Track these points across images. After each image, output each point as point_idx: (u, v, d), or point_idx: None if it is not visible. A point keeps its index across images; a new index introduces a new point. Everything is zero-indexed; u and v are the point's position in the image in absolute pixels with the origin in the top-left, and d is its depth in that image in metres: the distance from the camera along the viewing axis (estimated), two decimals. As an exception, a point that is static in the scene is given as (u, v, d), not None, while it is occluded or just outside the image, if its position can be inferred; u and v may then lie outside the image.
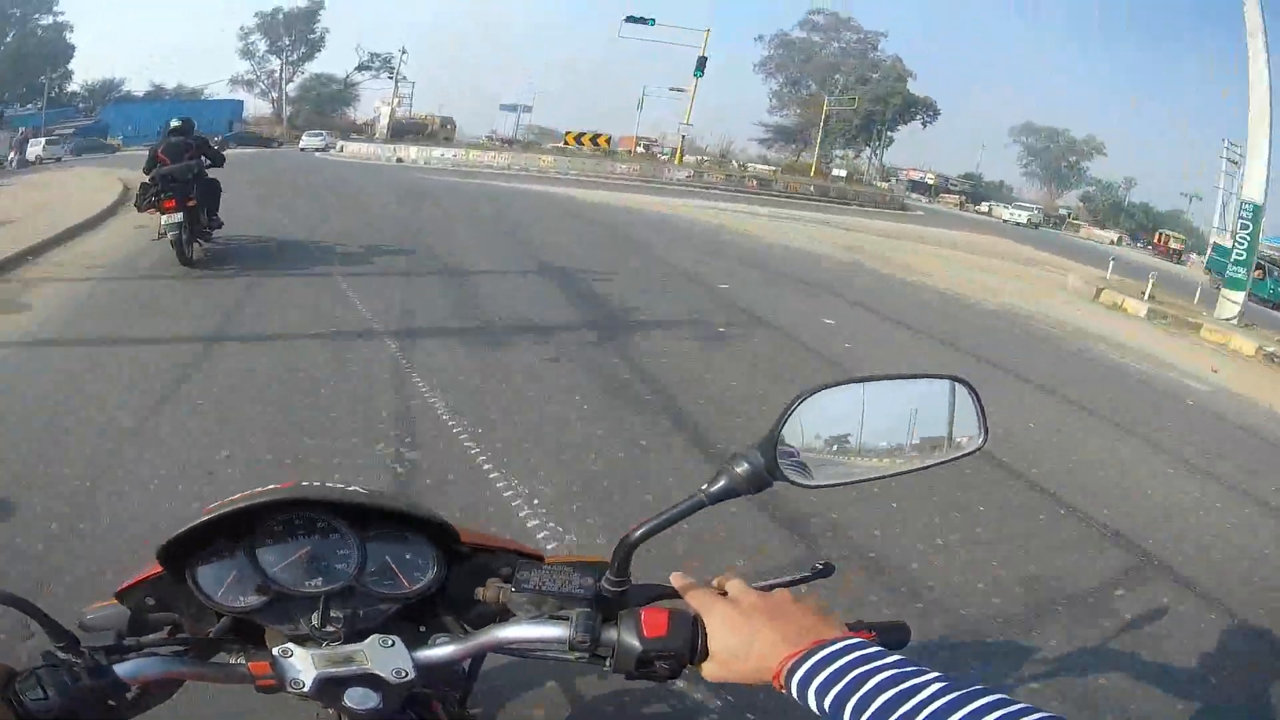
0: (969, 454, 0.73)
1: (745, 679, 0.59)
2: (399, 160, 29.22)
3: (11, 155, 22.94)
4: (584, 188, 21.59)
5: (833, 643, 0.55)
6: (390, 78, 46.00)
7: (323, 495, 0.73)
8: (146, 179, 7.09)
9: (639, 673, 0.64)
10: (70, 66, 46.40)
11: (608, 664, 0.65)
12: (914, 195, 47.27)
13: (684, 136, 34.46)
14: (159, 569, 0.74)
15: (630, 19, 34.00)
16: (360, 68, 51.99)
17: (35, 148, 30.02)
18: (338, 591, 0.72)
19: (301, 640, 0.69)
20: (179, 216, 6.83)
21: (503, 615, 0.72)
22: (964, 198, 50.88)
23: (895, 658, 0.53)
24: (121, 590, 0.75)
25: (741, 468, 0.64)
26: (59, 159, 27.60)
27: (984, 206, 48.36)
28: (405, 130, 45.17)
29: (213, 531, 0.72)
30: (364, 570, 0.73)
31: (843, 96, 48.44)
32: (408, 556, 0.75)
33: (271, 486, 0.76)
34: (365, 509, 0.75)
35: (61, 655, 0.63)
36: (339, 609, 0.70)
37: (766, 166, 45.64)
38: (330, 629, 0.69)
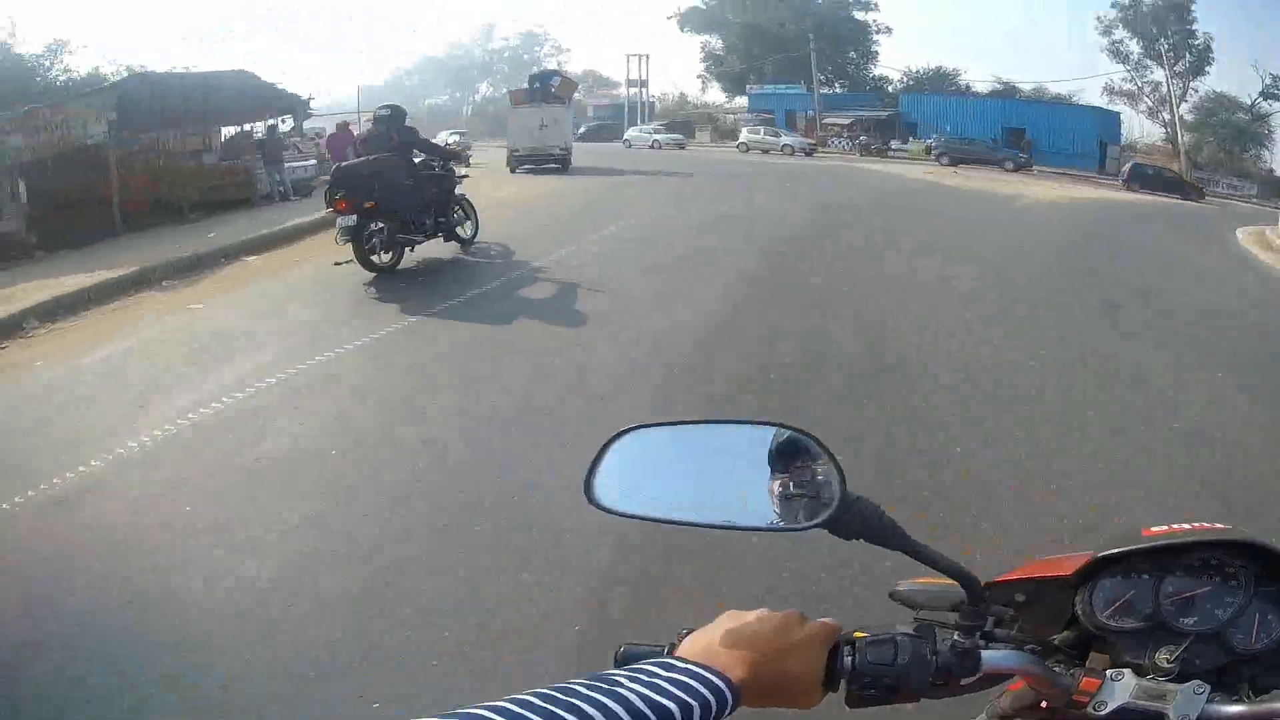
0: None
1: None
2: None
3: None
4: None
5: None
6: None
7: (1266, 544, 0.73)
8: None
9: None
10: (875, 48, 39.43)
11: None
12: None
13: None
14: (1052, 571, 0.77)
15: None
16: (1266, 94, 33.05)
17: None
18: (1203, 634, 0.73)
19: (1134, 669, 0.71)
20: (352, 219, 6.16)
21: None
22: None
23: None
24: (995, 582, 0.78)
25: None
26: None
27: None
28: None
29: (1139, 554, 0.75)
30: (1236, 619, 0.73)
31: None
32: (1269, 617, 0.74)
33: (1224, 526, 0.77)
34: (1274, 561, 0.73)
35: (939, 627, 0.68)
36: (1189, 650, 0.72)
37: None
38: (1171, 666, 0.71)
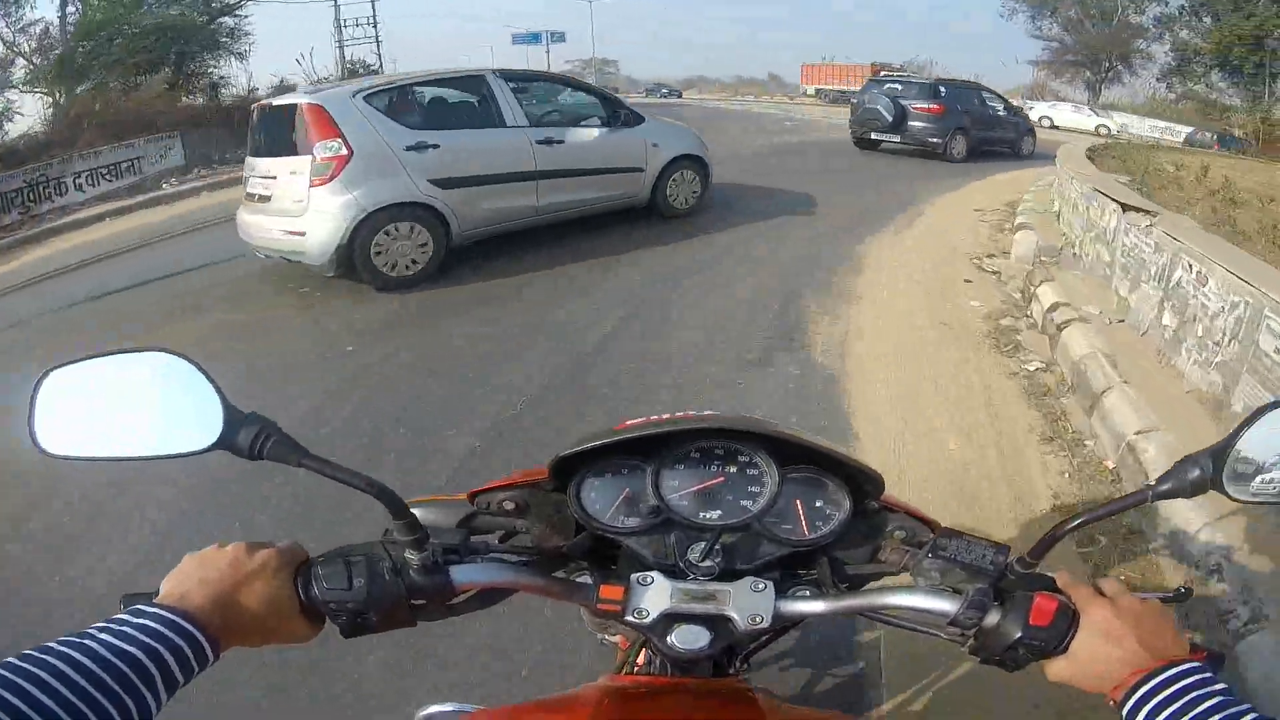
0: None
1: (1087, 685, 0.58)
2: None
3: None
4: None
5: (1183, 664, 0.55)
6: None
7: (767, 429, 0.68)
8: None
9: (996, 658, 0.60)
10: None
11: (968, 643, 0.61)
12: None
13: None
14: (533, 476, 0.72)
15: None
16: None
17: None
18: (733, 527, 0.68)
19: (667, 570, 0.67)
20: None
21: (884, 577, 0.69)
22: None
23: (1222, 687, 0.53)
24: (478, 491, 0.72)
25: (1192, 474, 0.59)
26: None
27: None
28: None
29: (619, 447, 0.69)
30: (769, 510, 0.69)
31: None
32: (818, 504, 0.70)
33: (709, 413, 0.71)
34: (799, 448, 0.70)
35: (392, 547, 0.62)
36: (724, 545, 0.68)
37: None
38: (708, 564, 0.67)
